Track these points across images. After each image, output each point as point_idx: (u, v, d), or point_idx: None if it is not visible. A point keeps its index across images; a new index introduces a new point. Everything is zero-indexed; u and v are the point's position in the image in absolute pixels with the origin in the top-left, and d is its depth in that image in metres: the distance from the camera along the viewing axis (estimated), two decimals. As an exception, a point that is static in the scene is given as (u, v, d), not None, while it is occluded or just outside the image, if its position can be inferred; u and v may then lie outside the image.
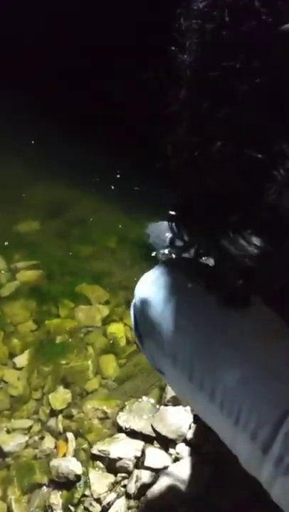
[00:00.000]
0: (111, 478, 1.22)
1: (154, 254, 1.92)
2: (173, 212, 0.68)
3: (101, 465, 1.26)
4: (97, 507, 1.17)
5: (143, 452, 1.23)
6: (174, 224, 0.67)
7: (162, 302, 0.70)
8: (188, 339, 0.65)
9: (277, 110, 0.49)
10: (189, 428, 1.23)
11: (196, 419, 1.22)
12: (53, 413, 1.42)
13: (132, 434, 1.28)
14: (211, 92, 0.53)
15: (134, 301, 0.79)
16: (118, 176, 2.29)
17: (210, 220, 0.56)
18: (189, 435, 1.21)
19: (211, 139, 0.53)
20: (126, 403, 1.37)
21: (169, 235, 2.02)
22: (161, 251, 1.95)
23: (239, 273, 0.53)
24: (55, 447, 1.34)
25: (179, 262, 0.74)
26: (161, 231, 2.07)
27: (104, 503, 1.16)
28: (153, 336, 0.72)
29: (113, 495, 1.18)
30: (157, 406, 1.34)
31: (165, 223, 2.09)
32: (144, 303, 0.73)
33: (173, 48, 0.58)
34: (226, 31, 0.50)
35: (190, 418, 1.24)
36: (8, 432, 1.39)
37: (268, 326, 0.61)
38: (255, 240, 0.51)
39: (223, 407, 0.62)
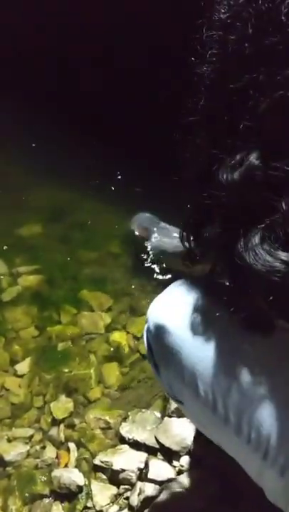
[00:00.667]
0: (113, 490, 1.21)
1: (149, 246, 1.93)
2: (185, 227, 0.65)
3: (103, 476, 1.25)
4: (100, 519, 1.15)
5: (146, 464, 1.22)
6: (186, 238, 0.65)
7: (182, 328, 0.65)
8: (211, 369, 0.61)
9: None
10: (193, 440, 1.21)
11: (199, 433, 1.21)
12: (55, 422, 1.40)
13: (135, 445, 1.27)
14: (231, 104, 0.52)
15: (147, 325, 0.74)
16: (119, 177, 2.28)
17: (230, 234, 0.53)
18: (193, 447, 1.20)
19: (230, 152, 0.51)
20: (129, 413, 1.36)
21: (155, 228, 2.01)
22: (148, 242, 1.96)
23: (265, 292, 0.50)
24: (57, 457, 1.33)
25: (197, 282, 0.69)
26: (146, 222, 2.07)
27: (107, 515, 1.15)
28: (171, 365, 0.68)
29: (115, 507, 1.17)
30: (161, 417, 1.32)
31: (148, 214, 2.09)
32: (161, 328, 0.68)
33: (193, 59, 0.57)
34: (248, 43, 0.49)
35: (194, 430, 1.23)
36: (9, 440, 1.37)
37: None
38: (283, 256, 0.47)
39: (250, 441, 0.59)
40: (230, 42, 0.51)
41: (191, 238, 0.64)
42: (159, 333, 0.69)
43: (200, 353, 0.62)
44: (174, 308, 0.69)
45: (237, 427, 0.59)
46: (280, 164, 0.48)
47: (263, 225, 0.48)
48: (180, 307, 0.67)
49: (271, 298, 0.49)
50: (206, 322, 0.63)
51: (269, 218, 0.48)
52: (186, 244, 0.65)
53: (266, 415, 0.57)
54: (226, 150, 0.52)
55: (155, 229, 2.01)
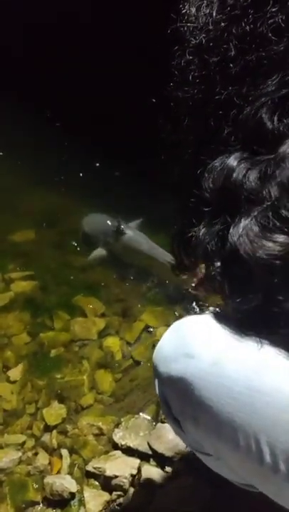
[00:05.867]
0: (106, 496, 1.20)
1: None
2: (173, 238, 0.64)
3: (96, 483, 1.24)
4: (93, 526, 1.15)
5: (139, 470, 1.21)
6: (176, 249, 0.63)
7: (209, 380, 0.56)
8: (252, 419, 0.53)
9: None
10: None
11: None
12: (47, 428, 1.40)
13: (128, 451, 1.27)
14: (215, 115, 0.54)
15: (159, 377, 0.65)
16: (114, 184, 2.29)
17: (220, 229, 0.53)
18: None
19: (213, 156, 0.54)
20: (122, 419, 1.35)
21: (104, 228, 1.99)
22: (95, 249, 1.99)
23: (269, 278, 0.47)
24: (49, 463, 1.32)
25: (217, 315, 0.60)
26: (95, 223, 2.09)
27: (100, 522, 1.15)
28: (201, 423, 0.59)
29: (108, 514, 1.16)
30: (154, 423, 1.32)
31: (99, 215, 2.12)
32: (182, 382, 0.59)
33: (171, 85, 0.59)
34: (232, 63, 0.51)
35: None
36: (1, 447, 1.36)
37: None
38: (281, 238, 0.47)
39: None
40: (213, 64, 0.53)
41: (180, 248, 0.63)
42: (180, 388, 0.59)
43: (236, 403, 0.54)
44: (193, 357, 0.58)
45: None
46: (263, 158, 0.50)
47: (255, 213, 0.49)
48: (200, 354, 0.58)
49: (276, 281, 0.48)
50: (245, 363, 0.54)
51: (256, 207, 0.49)
52: (176, 254, 0.64)
53: None
54: (210, 155, 0.54)
55: (102, 235, 2.04)
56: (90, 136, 2.26)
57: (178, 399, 0.63)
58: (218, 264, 0.54)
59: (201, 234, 0.55)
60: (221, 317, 0.59)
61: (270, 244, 0.47)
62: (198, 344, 0.59)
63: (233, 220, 0.51)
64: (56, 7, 2.34)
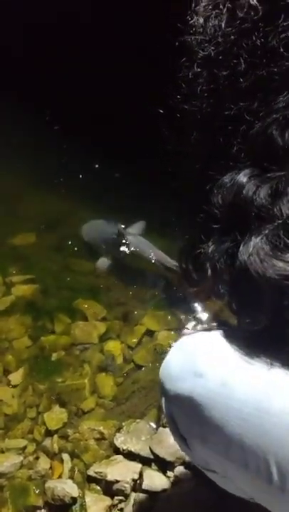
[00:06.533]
0: (108, 501, 1.20)
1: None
2: (182, 252, 0.63)
3: (97, 487, 1.24)
4: (94, 531, 1.15)
5: (141, 475, 1.21)
6: (184, 263, 0.62)
7: (224, 397, 0.55)
8: (261, 440, 0.52)
9: None
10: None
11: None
12: (48, 433, 1.39)
13: (130, 455, 1.27)
14: (225, 131, 0.53)
15: (165, 395, 0.64)
16: (113, 186, 2.29)
17: (230, 247, 0.53)
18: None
19: (223, 172, 0.53)
20: (123, 424, 1.35)
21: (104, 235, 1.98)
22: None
23: (279, 298, 0.47)
24: (50, 468, 1.32)
25: (225, 333, 0.59)
26: (95, 231, 2.09)
27: (101, 527, 1.14)
28: (210, 442, 0.58)
29: (110, 519, 1.16)
30: (155, 427, 1.32)
31: (98, 222, 2.11)
32: (190, 401, 0.58)
33: (178, 97, 0.58)
34: (242, 78, 0.51)
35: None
36: (2, 451, 1.36)
37: None
38: None
39: None
40: (222, 78, 0.52)
41: (188, 263, 0.61)
42: (187, 407, 0.59)
43: (245, 424, 0.53)
44: (201, 376, 0.57)
45: None
46: (274, 175, 0.49)
47: (266, 232, 0.49)
48: (208, 374, 0.57)
49: (285, 303, 0.47)
50: (254, 385, 0.53)
51: (267, 225, 0.49)
52: (185, 268, 0.63)
53: None
54: (219, 171, 0.54)
55: (103, 243, 2.02)
56: (89, 136, 2.26)
57: (185, 417, 0.62)
58: (227, 281, 0.54)
59: (210, 251, 0.54)
60: (229, 335, 0.58)
61: (280, 264, 0.47)
62: (206, 363, 0.58)
63: (243, 238, 0.50)
64: (56, 7, 2.33)
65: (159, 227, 1.99)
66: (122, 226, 2.00)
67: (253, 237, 0.49)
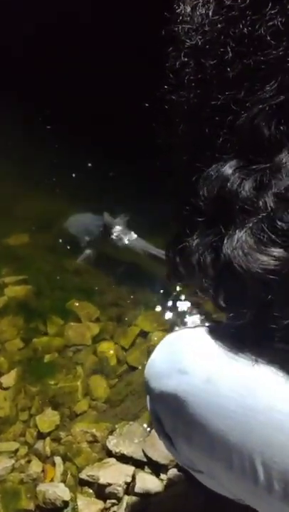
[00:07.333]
0: (100, 504, 1.19)
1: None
2: (168, 247, 0.62)
3: (90, 491, 1.22)
4: (86, 535, 1.13)
5: (133, 477, 1.20)
6: (171, 258, 0.60)
7: (203, 397, 0.54)
8: (247, 439, 0.51)
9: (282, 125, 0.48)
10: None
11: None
12: (41, 436, 1.38)
13: (122, 458, 1.25)
14: (211, 121, 0.52)
15: (150, 393, 0.63)
16: (109, 187, 2.28)
17: (215, 240, 0.52)
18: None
19: (208, 163, 0.52)
20: (116, 426, 1.34)
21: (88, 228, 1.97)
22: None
23: (264, 293, 0.46)
24: (43, 471, 1.30)
25: (211, 329, 0.58)
26: (81, 224, 2.08)
27: (94, 531, 1.13)
28: (194, 441, 0.57)
29: (102, 522, 1.15)
30: (148, 429, 1.31)
31: (82, 215, 2.10)
32: (175, 399, 0.57)
33: (166, 87, 0.57)
34: (230, 67, 0.50)
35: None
36: (-7, 454, 1.35)
37: None
38: (276, 252, 0.45)
39: None
40: (209, 67, 0.51)
41: (176, 257, 0.60)
42: (172, 405, 0.58)
43: (230, 422, 0.52)
44: (186, 373, 0.56)
45: (285, 495, 0.51)
46: (259, 167, 0.48)
47: (250, 225, 0.48)
48: (194, 370, 0.56)
49: (270, 298, 0.46)
50: (241, 381, 0.52)
51: (251, 218, 0.48)
52: (171, 262, 0.61)
53: None
54: (206, 163, 0.53)
55: (87, 235, 2.02)
56: (89, 136, 2.25)
57: (170, 416, 0.61)
58: (212, 276, 0.52)
59: (194, 244, 0.53)
60: (214, 331, 0.57)
61: (264, 258, 0.46)
62: (191, 360, 0.57)
63: (227, 231, 0.49)
64: (56, 7, 2.33)
65: (158, 226, 1.98)
66: (108, 216, 1.98)
67: (237, 231, 0.48)
